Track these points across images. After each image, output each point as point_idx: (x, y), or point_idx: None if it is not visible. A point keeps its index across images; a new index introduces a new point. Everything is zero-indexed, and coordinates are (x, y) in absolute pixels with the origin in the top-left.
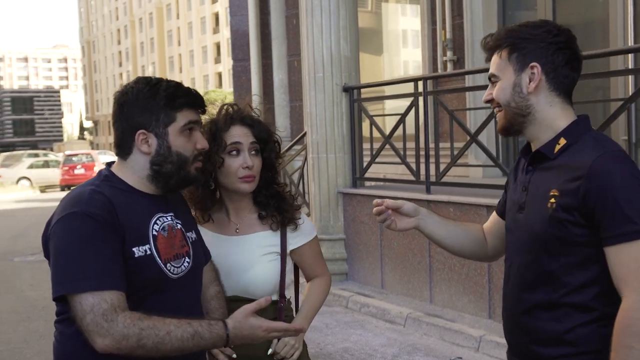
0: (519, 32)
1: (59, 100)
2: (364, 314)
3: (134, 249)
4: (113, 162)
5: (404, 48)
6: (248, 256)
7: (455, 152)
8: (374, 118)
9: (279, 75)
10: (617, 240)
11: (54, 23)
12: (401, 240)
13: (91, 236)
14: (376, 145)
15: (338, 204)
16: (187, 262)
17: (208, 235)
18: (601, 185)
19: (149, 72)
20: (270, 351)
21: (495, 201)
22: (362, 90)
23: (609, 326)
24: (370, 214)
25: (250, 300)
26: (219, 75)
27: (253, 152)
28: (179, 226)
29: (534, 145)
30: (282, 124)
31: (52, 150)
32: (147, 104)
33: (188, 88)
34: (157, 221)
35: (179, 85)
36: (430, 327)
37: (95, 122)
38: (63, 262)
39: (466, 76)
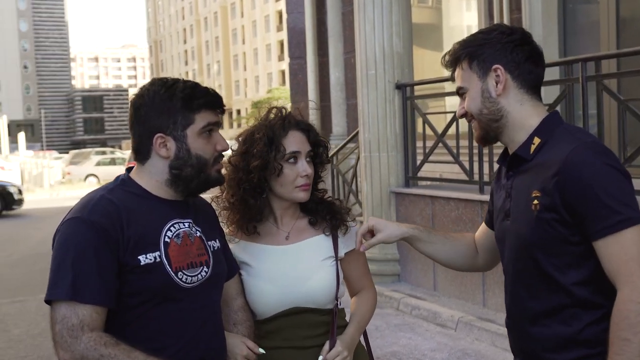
0: (473, 40)
1: (128, 99)
2: (414, 317)
3: (139, 257)
4: (132, 168)
5: None
6: (307, 263)
7: None
8: (428, 116)
9: (336, 73)
10: (602, 234)
11: (123, 24)
12: None
13: (85, 245)
14: (429, 144)
15: (390, 204)
16: (204, 271)
17: (256, 248)
18: (577, 178)
19: (213, 71)
20: (320, 358)
21: None
22: (419, 87)
23: None
24: (423, 214)
25: (312, 310)
26: (282, 73)
27: (308, 159)
28: (198, 233)
29: (510, 149)
30: (338, 122)
31: (120, 147)
32: (164, 106)
33: (206, 88)
34: (172, 227)
35: (196, 85)
36: (482, 332)
37: None
38: (53, 267)
39: None
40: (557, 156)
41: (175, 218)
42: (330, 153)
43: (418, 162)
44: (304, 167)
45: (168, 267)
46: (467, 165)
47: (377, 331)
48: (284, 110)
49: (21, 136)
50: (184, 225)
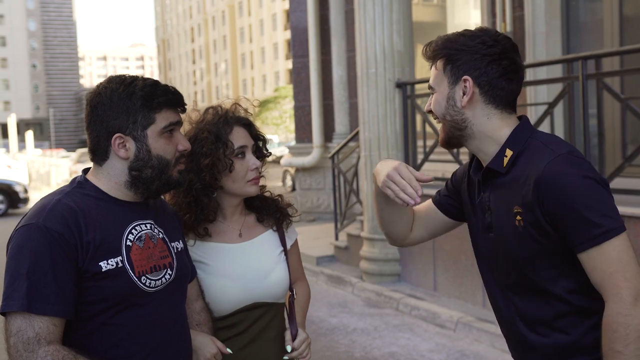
0: (455, 42)
1: None
2: (414, 317)
3: (101, 263)
4: (89, 169)
5: None
6: (265, 259)
7: None
8: (428, 115)
9: (339, 72)
10: (585, 247)
11: (131, 23)
12: (453, 241)
13: (40, 253)
14: (430, 143)
15: None
16: (168, 274)
17: (211, 247)
18: (556, 193)
19: (221, 69)
20: (289, 348)
21: None
22: (420, 85)
23: None
24: None
25: (269, 304)
26: (290, 71)
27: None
28: (161, 235)
29: (481, 159)
30: (341, 121)
31: None
32: (122, 105)
33: (166, 86)
34: (133, 230)
35: (156, 83)
36: (481, 333)
37: None
38: (7, 277)
39: (527, 70)
40: (534, 171)
41: (136, 220)
42: (332, 152)
43: (418, 161)
44: (253, 160)
45: (131, 272)
46: None
47: (376, 331)
48: (220, 109)
49: (29, 135)
50: (146, 227)
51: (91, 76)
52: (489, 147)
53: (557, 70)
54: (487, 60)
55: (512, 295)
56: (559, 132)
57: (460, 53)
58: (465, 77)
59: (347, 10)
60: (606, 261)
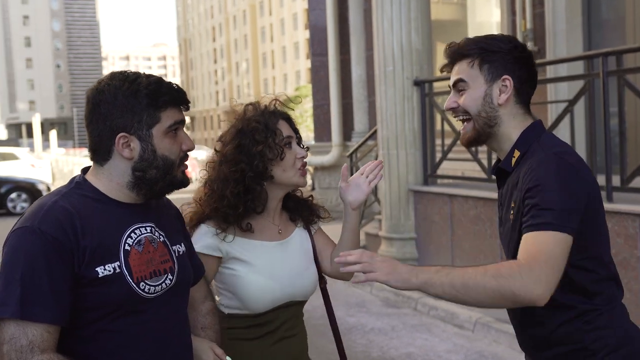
0: (490, 44)
1: None
2: (432, 317)
3: (97, 269)
4: (89, 168)
5: None
6: (302, 258)
7: None
8: (446, 113)
9: (358, 71)
10: (528, 229)
11: (153, 22)
12: (472, 241)
13: (35, 258)
14: (448, 142)
15: (409, 202)
16: (168, 279)
17: (250, 245)
18: (531, 179)
19: (242, 69)
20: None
21: None
22: (439, 83)
23: (591, 322)
24: (441, 213)
25: (301, 302)
26: (311, 71)
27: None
28: (162, 238)
29: (500, 157)
30: (360, 120)
31: None
32: (127, 103)
33: (170, 83)
34: (132, 234)
35: (160, 81)
36: (499, 333)
37: (192, 118)
38: (1, 282)
39: (547, 68)
40: (526, 168)
41: (136, 223)
42: (350, 150)
43: (437, 160)
44: (299, 150)
45: (129, 277)
46: (485, 163)
47: (394, 331)
48: (258, 104)
49: (53, 134)
50: (146, 230)
51: None
52: (506, 146)
53: (578, 68)
54: (520, 64)
55: None
56: (580, 130)
57: (497, 54)
58: (506, 76)
59: (366, 9)
60: (539, 243)
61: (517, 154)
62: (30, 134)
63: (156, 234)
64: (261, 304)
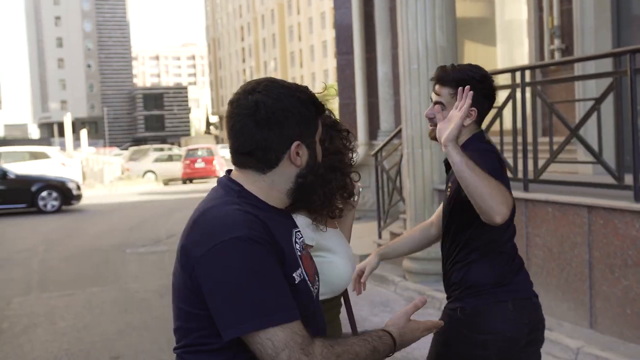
0: (465, 80)
1: (187, 97)
2: None
3: (294, 275)
4: (230, 172)
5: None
6: (348, 243)
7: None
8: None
9: (383, 69)
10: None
11: (183, 22)
12: None
13: (263, 264)
14: None
15: (434, 201)
16: (317, 281)
17: (332, 232)
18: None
19: (270, 68)
20: None
21: (599, 201)
22: None
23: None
24: None
25: (337, 297)
26: None
27: None
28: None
29: None
30: (386, 118)
31: (179, 144)
32: (302, 112)
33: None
34: (297, 239)
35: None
36: None
37: (221, 117)
38: (235, 298)
39: (575, 65)
40: None
41: (294, 227)
42: (375, 149)
43: None
44: None
45: (308, 282)
46: (511, 162)
47: None
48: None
49: (83, 133)
50: (300, 233)
51: (144, 75)
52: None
53: (607, 66)
54: (486, 96)
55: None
56: (608, 129)
57: (469, 82)
58: (473, 108)
59: (392, 7)
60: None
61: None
62: (61, 133)
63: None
64: (343, 284)
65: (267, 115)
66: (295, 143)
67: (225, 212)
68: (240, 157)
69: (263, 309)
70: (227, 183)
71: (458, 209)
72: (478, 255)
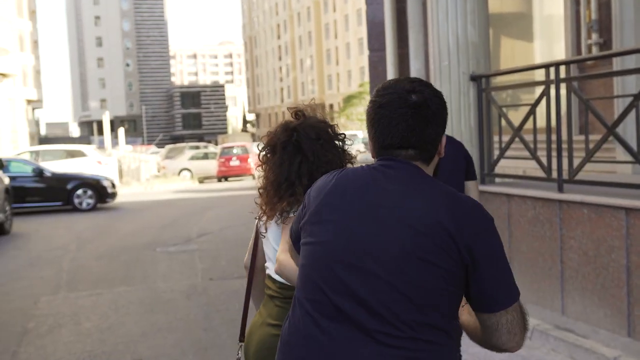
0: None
1: (224, 95)
2: None
3: None
4: (408, 163)
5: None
6: None
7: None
8: (505, 109)
9: (416, 65)
10: None
11: (220, 21)
12: (531, 243)
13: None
14: (506, 139)
15: None
16: None
17: None
18: None
19: (306, 66)
20: None
21: (638, 202)
22: (495, 79)
23: None
24: (499, 213)
25: None
26: None
27: None
28: None
29: None
30: None
31: (216, 142)
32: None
33: None
34: None
35: None
36: (558, 342)
37: (257, 115)
38: (508, 271)
39: (614, 60)
40: None
41: None
42: None
43: (494, 157)
44: None
45: None
46: (545, 161)
47: None
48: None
49: (121, 131)
50: None
51: (182, 74)
52: None
53: None
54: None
55: None
56: None
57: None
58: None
59: (425, 2)
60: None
61: None
62: (101, 132)
63: None
64: None
65: (437, 113)
66: (444, 136)
67: (469, 198)
68: (421, 151)
69: (515, 285)
70: (423, 175)
71: None
72: None
